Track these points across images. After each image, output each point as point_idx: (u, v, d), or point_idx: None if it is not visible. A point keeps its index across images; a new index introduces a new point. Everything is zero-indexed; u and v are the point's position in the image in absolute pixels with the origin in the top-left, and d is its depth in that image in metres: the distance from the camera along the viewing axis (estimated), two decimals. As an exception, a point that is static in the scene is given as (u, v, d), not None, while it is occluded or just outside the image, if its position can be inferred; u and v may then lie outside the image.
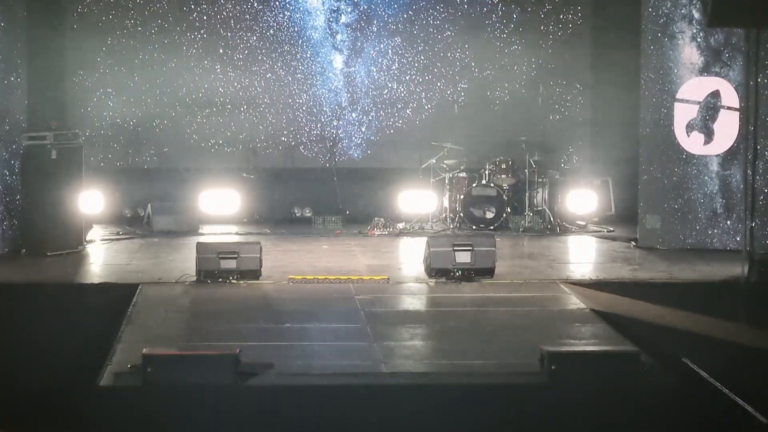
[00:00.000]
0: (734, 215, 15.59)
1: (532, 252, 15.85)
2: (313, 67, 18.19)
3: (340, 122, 18.23)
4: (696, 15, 15.59)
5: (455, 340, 11.08)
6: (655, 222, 15.85)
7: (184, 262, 14.30)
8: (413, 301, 13.10)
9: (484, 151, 17.64)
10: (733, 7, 14.54)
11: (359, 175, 18.22)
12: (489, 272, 13.82)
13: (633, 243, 16.14)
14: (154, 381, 9.40)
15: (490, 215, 17.01)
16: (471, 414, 9.28)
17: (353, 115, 18.30)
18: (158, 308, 12.32)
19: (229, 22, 18.04)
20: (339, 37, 18.21)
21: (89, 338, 11.19)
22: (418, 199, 17.48)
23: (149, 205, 17.39)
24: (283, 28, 18.13)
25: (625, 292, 13.27)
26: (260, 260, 13.69)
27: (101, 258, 15.34)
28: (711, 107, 15.63)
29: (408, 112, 18.31)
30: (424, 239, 14.46)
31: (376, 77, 18.25)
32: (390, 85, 18.27)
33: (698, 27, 15.57)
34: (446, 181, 17.27)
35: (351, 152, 18.30)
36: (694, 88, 15.67)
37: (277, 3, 18.10)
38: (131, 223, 17.57)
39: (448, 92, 18.26)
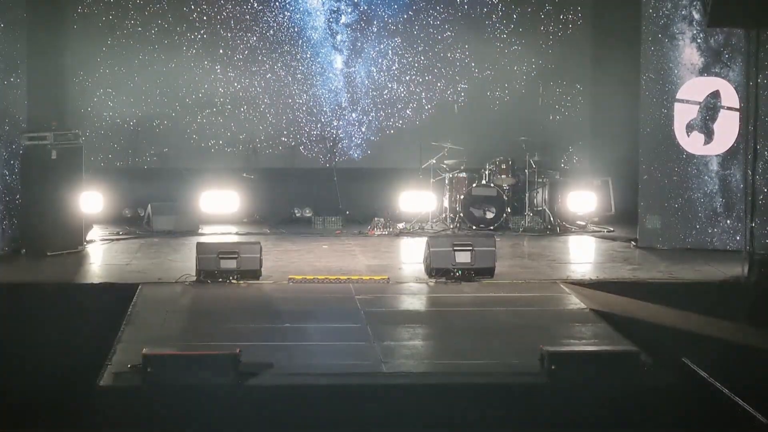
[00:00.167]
0: (734, 214, 15.60)
1: (532, 252, 15.85)
2: (313, 67, 18.20)
3: (340, 122, 18.24)
4: (696, 16, 15.59)
5: (455, 340, 11.09)
6: (656, 222, 15.85)
7: (184, 262, 14.30)
8: (413, 301, 13.11)
9: (484, 151, 17.64)
10: (733, 8, 14.56)
11: (359, 175, 18.23)
12: (489, 272, 13.83)
13: (633, 243, 16.14)
14: (155, 381, 9.40)
15: (490, 215, 17.01)
16: (471, 414, 9.28)
17: (353, 115, 18.30)
18: (158, 308, 12.32)
19: (229, 22, 18.04)
20: (339, 37, 18.22)
21: (89, 338, 11.19)
22: (418, 199, 17.48)
23: (149, 205, 17.38)
24: (283, 29, 18.13)
25: (625, 292, 13.27)
26: (260, 260, 13.69)
27: (101, 258, 15.34)
28: (711, 107, 15.63)
29: (408, 112, 18.31)
30: (424, 239, 14.47)
31: (376, 77, 18.25)
32: (390, 85, 18.27)
33: (698, 28, 15.58)
34: (446, 181, 17.27)
35: (351, 152, 18.31)
36: (694, 89, 15.68)
37: (277, 3, 18.11)
38: (131, 223, 17.57)
39: (448, 92, 18.26)
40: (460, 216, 17.02)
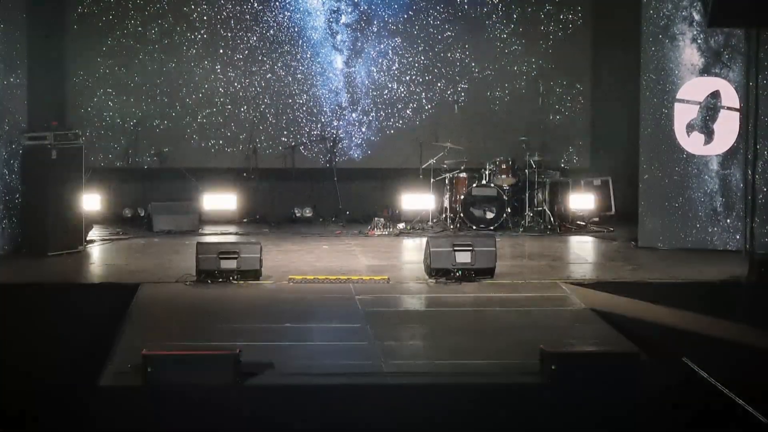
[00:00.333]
0: (734, 214, 15.60)
1: (533, 252, 15.86)
2: (314, 67, 18.20)
3: (341, 122, 18.24)
4: (696, 17, 15.59)
5: (455, 340, 11.09)
6: (656, 224, 15.85)
7: (184, 262, 14.30)
8: (413, 301, 13.11)
9: (484, 151, 17.64)
10: (733, 8, 14.58)
11: (359, 175, 18.23)
12: (489, 272, 13.83)
13: (633, 243, 16.14)
14: (155, 381, 9.41)
15: (490, 215, 17.01)
16: (471, 413, 9.28)
17: (353, 115, 18.30)
18: (158, 308, 12.32)
19: (229, 22, 18.04)
20: (339, 37, 18.21)
21: (89, 338, 11.19)
22: (419, 200, 17.49)
23: (149, 206, 17.40)
24: (284, 29, 18.13)
25: (625, 292, 13.27)
26: (260, 260, 13.69)
27: (101, 258, 15.34)
28: (711, 107, 15.64)
29: (408, 112, 18.31)
30: (425, 239, 14.48)
31: (377, 77, 18.25)
32: (390, 85, 18.27)
33: (698, 29, 15.58)
34: (446, 182, 17.27)
35: (351, 152, 18.30)
36: (694, 89, 15.68)
37: (277, 3, 18.10)
38: (131, 223, 17.58)
39: (449, 92, 18.26)
40: (460, 216, 17.02)
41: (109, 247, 16.06)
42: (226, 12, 18.01)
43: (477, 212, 17.01)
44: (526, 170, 17.26)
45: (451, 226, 17.08)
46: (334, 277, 13.82)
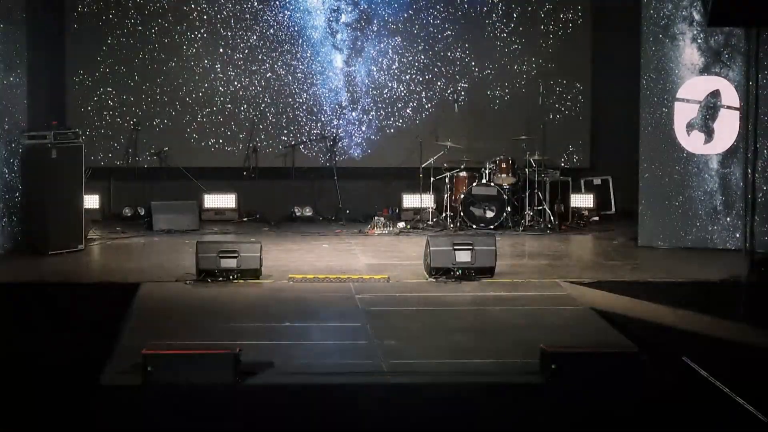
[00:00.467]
0: (733, 212, 15.62)
1: (533, 251, 15.86)
2: (314, 66, 18.20)
3: (341, 121, 18.24)
4: (696, 17, 15.61)
5: (455, 339, 11.09)
6: (656, 230, 15.83)
7: (184, 261, 14.31)
8: (413, 300, 13.10)
9: (484, 150, 17.65)
10: (733, 7, 14.58)
11: (359, 174, 18.24)
12: (489, 271, 13.83)
13: (633, 242, 16.14)
14: (155, 380, 9.41)
15: (490, 214, 17.01)
16: (471, 413, 9.28)
17: (353, 114, 18.30)
18: (159, 307, 12.32)
19: (229, 21, 18.04)
20: (339, 36, 18.22)
21: (89, 337, 11.19)
22: (419, 199, 17.49)
23: (149, 205, 17.40)
24: (284, 28, 18.13)
25: (625, 291, 13.27)
26: (260, 259, 13.69)
27: (101, 257, 15.35)
28: (711, 107, 15.64)
29: (408, 111, 18.32)
30: (425, 238, 14.47)
31: (377, 76, 18.25)
32: (390, 84, 18.27)
33: (699, 28, 15.60)
34: (446, 181, 17.27)
35: (351, 151, 18.31)
36: (694, 88, 15.69)
37: (277, 2, 18.11)
38: (131, 222, 17.59)
39: (449, 91, 18.26)
40: (460, 215, 17.03)
41: (109, 246, 16.06)
42: (226, 11, 18.02)
43: (477, 211, 17.01)
44: (526, 169, 17.26)
45: (451, 225, 17.08)
46: (334, 276, 13.83)
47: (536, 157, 17.29)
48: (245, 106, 18.12)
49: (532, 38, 18.21)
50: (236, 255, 13.57)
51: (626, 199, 17.49)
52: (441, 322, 11.87)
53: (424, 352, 10.75)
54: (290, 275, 13.85)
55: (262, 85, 18.14)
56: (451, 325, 11.72)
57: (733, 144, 15.60)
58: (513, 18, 18.20)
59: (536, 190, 17.30)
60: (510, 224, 17.16)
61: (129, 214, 17.84)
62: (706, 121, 15.68)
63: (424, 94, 18.27)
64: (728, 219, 15.65)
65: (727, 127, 15.60)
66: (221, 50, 18.04)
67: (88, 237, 16.00)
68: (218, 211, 17.87)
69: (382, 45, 18.20)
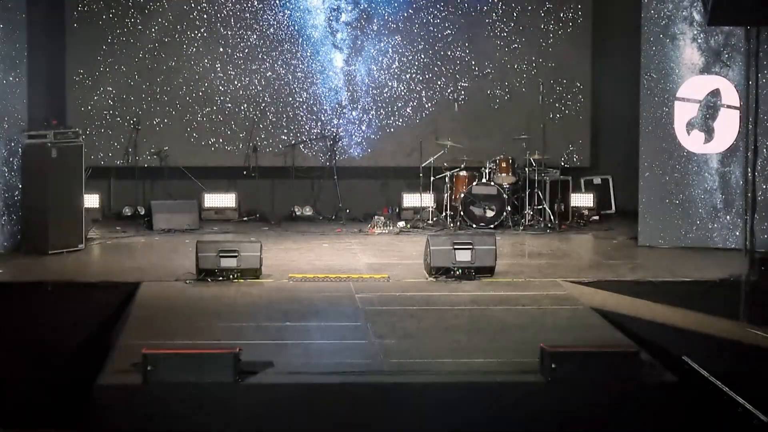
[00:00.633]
0: (733, 210, 15.61)
1: (533, 250, 15.86)
2: (314, 65, 18.20)
3: (341, 121, 18.24)
4: (696, 17, 15.61)
5: (455, 339, 11.09)
6: (656, 229, 15.84)
7: (184, 260, 14.30)
8: (413, 299, 13.10)
9: (484, 149, 17.64)
10: (733, 6, 14.57)
11: (359, 173, 18.23)
12: (489, 271, 13.83)
13: (633, 241, 16.14)
14: (155, 379, 9.40)
15: (490, 214, 17.01)
16: (471, 412, 9.28)
17: (353, 113, 18.30)
18: (159, 307, 12.32)
19: (229, 20, 18.04)
20: (339, 35, 18.21)
21: (90, 336, 11.20)
22: (419, 198, 17.49)
23: (149, 204, 17.40)
24: (284, 27, 18.13)
25: (625, 290, 13.27)
26: (260, 259, 13.69)
27: (101, 257, 15.35)
28: (711, 106, 15.64)
29: (408, 110, 18.31)
30: (425, 238, 14.47)
31: (377, 76, 18.25)
32: (390, 83, 18.27)
33: (699, 28, 15.60)
34: (446, 180, 17.27)
35: (351, 151, 18.30)
36: (694, 87, 15.69)
37: (277, 1, 18.10)
38: (131, 221, 17.58)
39: (449, 91, 18.26)
40: (460, 214, 17.02)
41: (109, 245, 16.06)
42: (226, 10, 18.01)
43: (477, 211, 17.01)
44: (526, 168, 17.26)
45: (451, 225, 17.07)
46: (334, 276, 13.82)
47: (536, 157, 17.29)
48: (245, 105, 18.12)
49: (532, 37, 18.20)
50: (236, 254, 13.56)
51: (626, 198, 17.48)
52: (441, 322, 11.86)
53: (424, 352, 10.74)
54: (290, 274, 13.85)
55: (262, 85, 18.13)
56: (451, 324, 11.72)
57: (733, 143, 15.59)
58: (513, 17, 18.19)
59: (536, 190, 17.30)
60: (510, 223, 17.15)
61: (129, 214, 17.84)
62: (706, 121, 15.68)
63: (424, 93, 18.26)
64: (728, 217, 15.66)
65: (727, 127, 15.60)
66: (221, 49, 18.04)
67: (88, 236, 15.99)
68: (218, 211, 17.87)
69: (382, 44, 18.20)
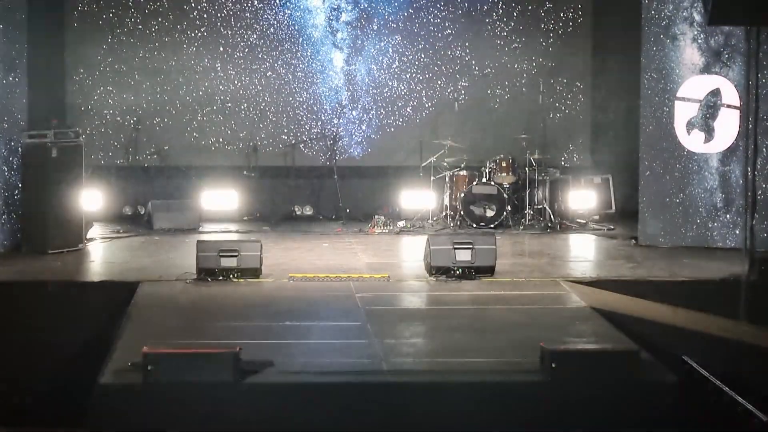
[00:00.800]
0: (733, 209, 15.62)
1: (533, 250, 15.86)
2: (314, 65, 18.20)
3: (341, 120, 18.23)
4: (697, 17, 15.62)
5: (456, 338, 11.09)
6: (656, 228, 15.85)
7: (184, 260, 14.29)
8: (414, 299, 13.11)
9: (484, 149, 17.65)
10: (734, 6, 14.56)
11: (360, 173, 18.23)
12: (489, 270, 13.82)
13: (633, 241, 16.14)
14: (155, 379, 9.40)
15: (490, 213, 17.01)
16: (471, 411, 9.28)
17: (354, 113, 18.30)
18: (159, 306, 12.32)
19: (229, 20, 18.04)
20: (339, 35, 18.21)
21: (90, 336, 11.21)
22: (419, 197, 17.48)
23: (149, 204, 17.40)
24: (284, 27, 18.13)
25: (626, 290, 13.26)
26: (261, 258, 13.69)
27: (102, 256, 15.34)
28: (711, 105, 15.64)
29: (408, 110, 18.31)
30: (425, 237, 14.47)
31: (377, 75, 18.25)
32: (390, 83, 18.27)
33: (699, 29, 15.60)
34: (446, 179, 17.27)
35: (351, 150, 18.30)
36: (694, 87, 15.69)
37: (277, 1, 18.10)
38: (131, 221, 17.57)
39: (449, 90, 18.26)
40: (460, 214, 17.02)
41: (109, 245, 16.06)
42: (227, 10, 18.01)
43: (477, 210, 17.01)
44: (527, 168, 17.26)
45: (452, 224, 17.07)
46: (334, 275, 13.82)
47: (536, 156, 17.29)
48: (245, 104, 18.12)
49: (532, 37, 18.21)
50: (236, 254, 13.56)
51: (626, 197, 17.48)
52: (441, 321, 11.86)
53: (424, 352, 10.75)
54: (290, 274, 13.85)
55: (262, 84, 18.14)
56: (451, 324, 11.72)
57: (733, 143, 15.59)
58: (513, 17, 18.19)
59: (536, 189, 17.30)
60: (510, 223, 17.14)
61: (129, 213, 17.83)
62: (706, 120, 15.68)
63: (424, 92, 18.27)
64: (728, 216, 15.67)
65: (727, 126, 15.60)
66: (221, 49, 18.04)
67: (88, 236, 15.99)
68: (218, 210, 17.84)
69: (382, 44, 18.20)
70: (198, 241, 13.88)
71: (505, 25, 18.21)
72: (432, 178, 17.33)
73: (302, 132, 18.22)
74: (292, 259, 14.98)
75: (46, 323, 11.68)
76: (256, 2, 18.04)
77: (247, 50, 18.06)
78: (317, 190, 18.16)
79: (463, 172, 17.27)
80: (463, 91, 18.22)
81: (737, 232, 15.48)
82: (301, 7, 18.12)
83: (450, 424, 9.18)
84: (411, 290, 13.34)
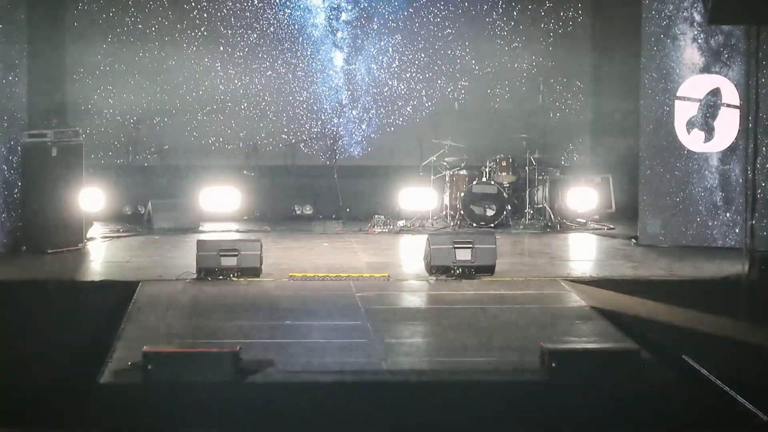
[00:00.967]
0: (733, 208, 15.63)
1: (533, 249, 15.86)
2: (314, 64, 18.20)
3: (341, 120, 18.24)
4: (697, 17, 15.62)
5: (456, 338, 11.09)
6: (656, 227, 15.85)
7: (184, 259, 14.30)
8: (414, 298, 13.11)
9: (484, 148, 17.64)
10: (734, 5, 14.55)
11: (360, 172, 18.23)
12: (489, 270, 13.82)
13: (633, 240, 16.14)
14: (155, 378, 9.40)
15: (490, 213, 17.01)
16: (471, 411, 9.28)
17: (354, 112, 18.31)
18: (159, 306, 12.32)
19: (229, 19, 18.04)
20: (339, 34, 18.22)
21: (90, 336, 11.19)
22: (419, 197, 17.48)
23: (149, 203, 17.39)
24: (284, 26, 18.13)
25: (626, 289, 13.26)
26: (261, 257, 13.69)
27: (102, 255, 15.34)
28: (711, 105, 15.64)
29: (408, 109, 18.31)
30: (425, 237, 14.47)
31: (377, 75, 18.25)
32: (390, 82, 18.28)
33: (699, 29, 15.61)
34: (447, 179, 17.27)
35: (351, 150, 18.31)
36: (694, 86, 15.69)
37: (277, 0, 18.10)
38: (132, 220, 17.58)
39: (449, 90, 18.26)
40: (460, 213, 17.02)
41: (109, 244, 16.06)
42: (227, 9, 18.02)
43: (477, 209, 17.01)
44: (527, 167, 17.26)
45: (452, 224, 17.07)
46: (334, 275, 13.82)
47: (536, 156, 17.29)
48: (245, 104, 18.13)
49: (532, 36, 18.21)
50: (236, 253, 13.56)
51: (626, 197, 17.48)
52: (441, 321, 11.86)
53: (423, 351, 10.75)
54: (290, 273, 13.85)
55: (262, 84, 18.14)
56: (451, 323, 11.72)
57: (733, 142, 15.60)
58: (513, 16, 18.20)
59: (536, 189, 17.30)
60: (510, 222, 17.15)
61: (129, 213, 17.84)
62: (706, 119, 15.68)
63: (424, 92, 18.27)
64: (728, 214, 15.68)
65: (727, 125, 15.61)
66: (221, 48, 18.05)
67: (88, 235, 15.99)
68: (218, 210, 17.84)
69: (382, 43, 18.20)
70: (198, 241, 13.87)
71: (505, 25, 18.21)
72: (432, 177, 17.33)
73: (302, 131, 18.22)
74: (292, 258, 14.99)
75: (46, 323, 11.67)
76: (256, 2, 18.05)
77: (247, 50, 18.06)
78: (317, 190, 18.16)
79: (463, 172, 17.28)
80: (463, 91, 18.23)
81: (737, 231, 15.48)
82: (301, 6, 18.13)
83: (450, 424, 9.17)
84: (411, 289, 13.34)
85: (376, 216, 17.34)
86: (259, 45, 18.09)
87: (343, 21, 18.20)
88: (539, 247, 15.94)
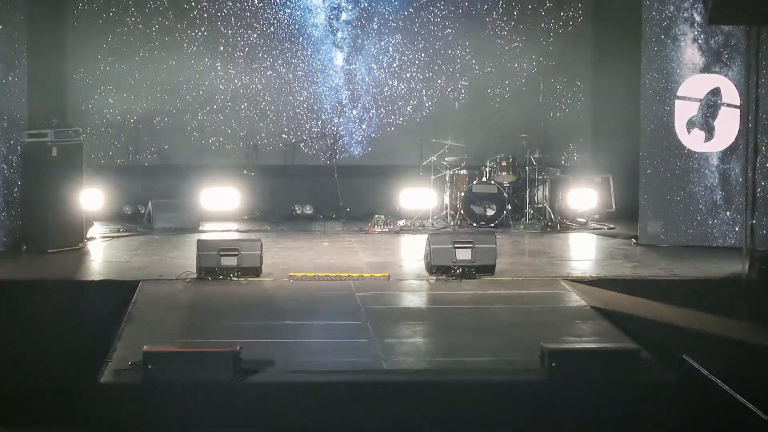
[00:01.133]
0: (733, 207, 15.63)
1: (533, 249, 15.86)
2: (314, 64, 18.21)
3: (341, 119, 18.24)
4: (697, 18, 15.63)
5: (456, 337, 11.09)
6: (657, 228, 15.85)
7: (184, 259, 14.30)
8: (414, 298, 13.11)
9: (484, 148, 17.64)
10: (734, 6, 14.56)
11: (360, 172, 18.23)
12: (489, 269, 13.82)
13: (634, 240, 16.14)
14: (155, 378, 9.41)
15: (490, 212, 17.01)
16: (471, 411, 9.28)
17: (354, 112, 18.31)
18: (159, 305, 12.32)
19: (229, 19, 18.05)
20: (339, 34, 18.22)
21: (90, 335, 11.19)
22: (419, 197, 17.48)
23: (150, 203, 17.39)
24: (284, 26, 18.14)
25: (626, 289, 13.26)
26: (261, 257, 13.69)
27: (102, 255, 15.34)
28: (711, 105, 15.64)
29: (409, 109, 18.32)
30: (425, 236, 14.47)
31: (377, 74, 18.26)
32: (390, 82, 18.28)
33: (699, 29, 15.61)
34: (447, 179, 17.27)
35: (351, 149, 18.31)
36: (694, 86, 15.69)
37: (277, 0, 18.11)
38: (132, 220, 17.58)
39: (449, 89, 18.27)
40: (460, 213, 17.02)
41: (109, 244, 16.06)
42: (227, 9, 18.03)
43: (477, 209, 17.01)
44: (527, 167, 17.26)
45: (452, 223, 17.07)
46: (334, 275, 13.82)
47: (536, 155, 17.29)
48: (245, 104, 18.13)
49: (532, 36, 18.22)
50: (236, 253, 13.56)
51: (626, 197, 17.48)
52: (441, 321, 11.87)
53: (424, 350, 10.75)
54: (290, 273, 13.85)
55: (262, 83, 18.15)
56: (451, 323, 11.72)
57: (733, 142, 15.60)
58: (513, 16, 18.20)
59: (536, 188, 17.30)
60: (510, 222, 17.15)
61: (129, 212, 17.84)
62: (706, 119, 15.69)
63: (424, 92, 18.28)
64: (728, 213, 15.68)
65: (728, 125, 15.61)
66: (222, 48, 18.05)
67: (89, 235, 15.99)
68: (218, 209, 17.84)
69: (382, 43, 18.20)
70: (198, 241, 13.87)
71: (505, 24, 18.22)
72: (432, 177, 17.33)
73: (302, 131, 18.23)
74: (292, 258, 14.99)
75: (46, 323, 11.67)
76: (256, 1, 18.06)
77: (247, 49, 18.07)
78: (317, 190, 18.16)
79: (464, 171, 17.28)
80: (463, 91, 18.23)
81: (737, 230, 15.48)
82: (302, 6, 18.13)
83: (450, 424, 9.17)
84: (411, 289, 13.34)
85: (376, 216, 17.33)
86: (259, 45, 18.10)
87: (343, 21, 18.21)
88: (539, 247, 15.94)
